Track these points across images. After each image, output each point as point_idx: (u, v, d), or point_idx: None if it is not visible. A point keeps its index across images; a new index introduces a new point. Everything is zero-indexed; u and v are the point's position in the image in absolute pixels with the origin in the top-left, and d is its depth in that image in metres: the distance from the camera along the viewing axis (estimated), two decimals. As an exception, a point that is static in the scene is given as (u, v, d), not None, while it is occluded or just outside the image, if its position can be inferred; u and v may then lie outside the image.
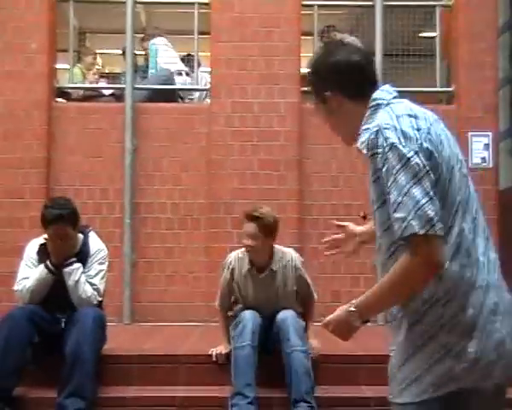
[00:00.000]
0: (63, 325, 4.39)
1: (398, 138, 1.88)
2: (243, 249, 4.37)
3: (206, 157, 6.51)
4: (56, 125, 6.81)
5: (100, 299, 4.56)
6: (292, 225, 6.62)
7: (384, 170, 1.88)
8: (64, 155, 6.75)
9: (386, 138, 1.89)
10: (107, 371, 4.45)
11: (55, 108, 6.90)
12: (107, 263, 4.63)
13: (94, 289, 4.50)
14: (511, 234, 5.95)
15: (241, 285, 4.39)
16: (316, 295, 4.56)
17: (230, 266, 4.40)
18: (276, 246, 4.44)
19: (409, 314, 1.92)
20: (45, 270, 4.38)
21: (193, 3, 7.12)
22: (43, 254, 4.52)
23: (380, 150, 1.90)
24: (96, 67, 8.02)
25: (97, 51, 8.40)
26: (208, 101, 7.16)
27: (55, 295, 4.40)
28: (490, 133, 6.63)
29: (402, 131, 1.89)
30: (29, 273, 4.47)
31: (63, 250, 4.43)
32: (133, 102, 6.73)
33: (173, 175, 6.68)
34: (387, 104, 2.01)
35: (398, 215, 1.83)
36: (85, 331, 4.22)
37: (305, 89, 6.97)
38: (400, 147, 1.86)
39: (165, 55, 7.42)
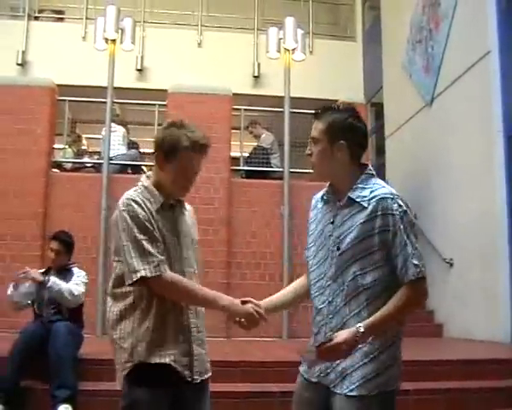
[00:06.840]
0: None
1: (408, 208, 2.06)
2: (140, 186, 2.40)
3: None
4: (52, 188, 7.43)
5: (83, 290, 4.79)
6: (222, 266, 7.36)
7: (401, 227, 2.00)
8: (56, 210, 7.35)
9: (400, 205, 2.03)
10: (85, 370, 4.67)
11: (51, 176, 7.61)
12: (87, 281, 4.94)
13: (76, 284, 4.74)
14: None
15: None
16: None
17: (137, 203, 2.30)
18: None
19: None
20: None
21: (154, 104, 8.12)
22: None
23: (396, 212, 2.02)
24: (82, 147, 8.64)
25: (83, 135, 8.91)
26: (164, 173, 7.82)
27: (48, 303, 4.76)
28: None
29: (406, 203, 2.07)
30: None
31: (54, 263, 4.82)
32: (108, 173, 7.34)
33: (136, 227, 7.10)
34: (375, 177, 2.16)
35: (415, 262, 1.99)
36: (61, 339, 4.46)
37: (234, 168, 7.93)
38: (410, 214, 2.05)
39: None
